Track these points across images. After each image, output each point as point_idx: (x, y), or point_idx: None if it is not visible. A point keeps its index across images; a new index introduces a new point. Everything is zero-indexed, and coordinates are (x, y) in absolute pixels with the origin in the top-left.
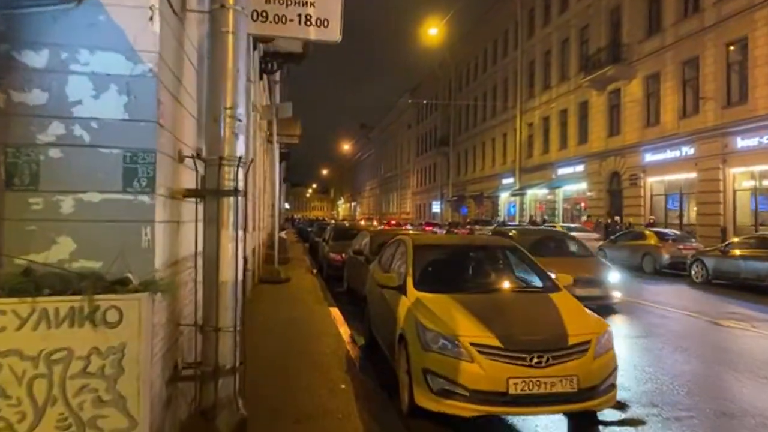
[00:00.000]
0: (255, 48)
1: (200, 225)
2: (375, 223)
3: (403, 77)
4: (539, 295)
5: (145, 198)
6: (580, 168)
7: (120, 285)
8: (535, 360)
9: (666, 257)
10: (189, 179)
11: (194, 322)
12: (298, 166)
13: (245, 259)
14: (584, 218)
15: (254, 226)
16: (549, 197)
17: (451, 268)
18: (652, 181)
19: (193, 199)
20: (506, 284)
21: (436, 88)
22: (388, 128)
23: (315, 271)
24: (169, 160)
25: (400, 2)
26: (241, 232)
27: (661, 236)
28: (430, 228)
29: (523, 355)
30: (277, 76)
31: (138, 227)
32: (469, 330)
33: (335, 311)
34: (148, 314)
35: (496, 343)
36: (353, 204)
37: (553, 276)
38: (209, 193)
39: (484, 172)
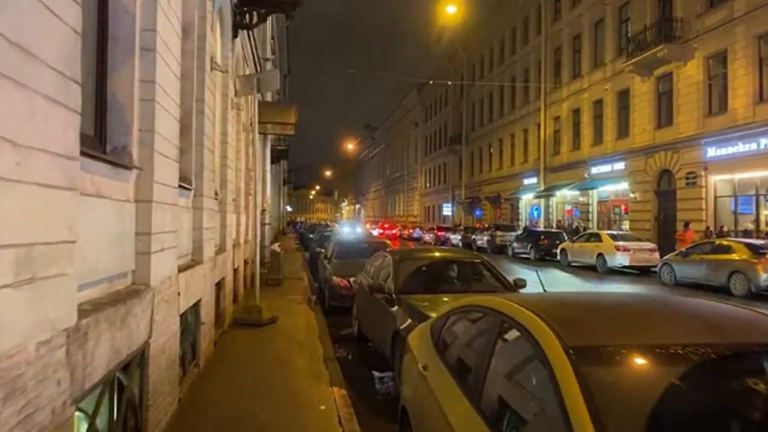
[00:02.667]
0: None
1: None
2: (381, 228)
3: (409, 74)
4: None
5: None
6: (619, 166)
7: None
8: None
9: (764, 277)
10: None
11: None
12: (301, 168)
13: (196, 306)
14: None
15: (223, 245)
16: (581, 199)
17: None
18: (716, 180)
19: None
20: None
21: (446, 84)
22: (394, 127)
23: (314, 297)
24: None
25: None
26: None
27: (754, 249)
28: (443, 233)
29: None
30: (268, 51)
31: None
32: None
33: (340, 397)
34: None
35: None
36: (357, 206)
37: None
38: None
39: (501, 171)
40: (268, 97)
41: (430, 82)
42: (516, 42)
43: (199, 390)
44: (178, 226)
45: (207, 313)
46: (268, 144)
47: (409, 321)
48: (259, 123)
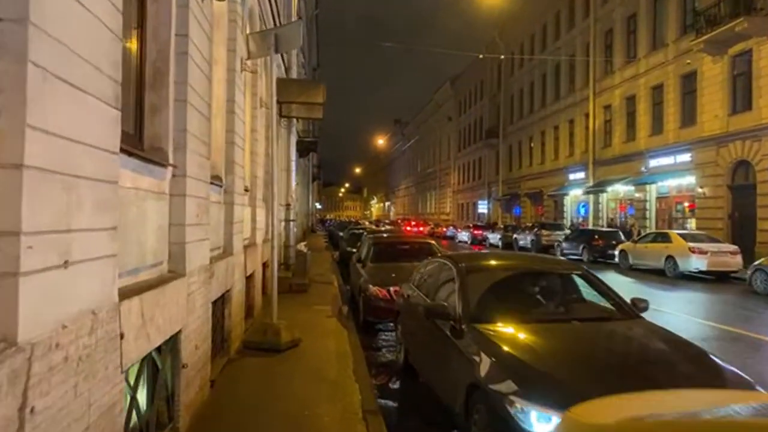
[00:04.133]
0: None
1: None
2: (407, 227)
3: (441, 68)
4: None
5: None
6: (684, 157)
7: None
8: None
9: None
10: None
11: None
12: (330, 165)
13: (172, 343)
14: None
15: (229, 247)
16: (637, 195)
17: None
18: None
19: None
20: None
21: (482, 75)
22: (425, 123)
23: (346, 308)
24: None
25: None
26: None
27: None
28: (480, 232)
29: None
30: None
31: None
32: None
33: None
34: None
35: None
36: (387, 204)
37: None
38: None
39: (544, 166)
40: (294, 75)
41: (480, 56)
42: (560, 26)
43: None
44: (127, 220)
45: (196, 348)
46: (294, 130)
47: (491, 362)
48: (282, 103)
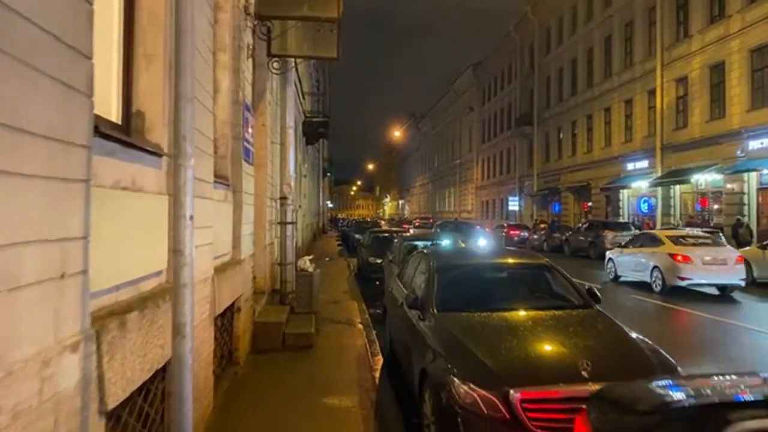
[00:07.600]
0: None
1: None
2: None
3: (455, 64)
4: None
5: None
6: None
7: None
8: None
9: None
10: None
11: None
12: (341, 164)
13: None
14: None
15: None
16: (729, 186)
17: None
18: None
19: None
20: None
21: (510, 57)
22: (443, 114)
23: (390, 395)
24: None
25: None
26: None
27: None
28: (517, 232)
29: None
30: None
31: None
32: None
33: None
34: None
35: None
36: (401, 202)
37: None
38: None
39: (591, 155)
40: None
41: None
42: None
43: None
44: None
45: None
46: (291, 79)
47: None
48: (271, 19)
